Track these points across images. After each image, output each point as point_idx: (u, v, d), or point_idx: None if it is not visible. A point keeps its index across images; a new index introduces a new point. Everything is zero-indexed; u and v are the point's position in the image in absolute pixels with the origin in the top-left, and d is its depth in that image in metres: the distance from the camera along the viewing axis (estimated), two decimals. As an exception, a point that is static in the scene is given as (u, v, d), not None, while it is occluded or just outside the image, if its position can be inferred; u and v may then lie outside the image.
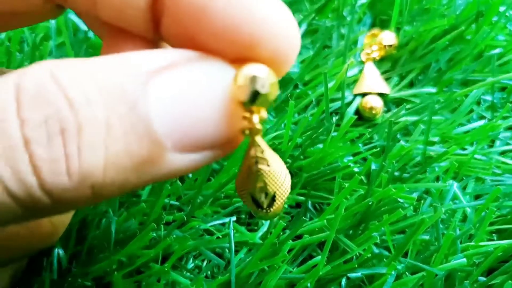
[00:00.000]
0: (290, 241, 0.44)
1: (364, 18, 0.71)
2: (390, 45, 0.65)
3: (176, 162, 0.27)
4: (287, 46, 0.28)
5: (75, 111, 0.25)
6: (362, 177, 0.51)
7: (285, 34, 0.28)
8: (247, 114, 0.27)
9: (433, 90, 0.62)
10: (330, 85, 0.57)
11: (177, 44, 0.30)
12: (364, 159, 0.55)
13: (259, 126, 0.27)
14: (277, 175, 0.30)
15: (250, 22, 0.27)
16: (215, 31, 0.28)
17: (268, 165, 0.30)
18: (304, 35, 0.67)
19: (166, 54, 0.27)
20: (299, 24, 0.66)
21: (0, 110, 0.25)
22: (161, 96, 0.26)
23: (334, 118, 0.53)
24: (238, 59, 0.28)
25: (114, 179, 0.26)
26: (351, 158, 0.53)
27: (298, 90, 0.61)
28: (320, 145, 0.53)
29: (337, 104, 0.60)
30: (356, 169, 0.52)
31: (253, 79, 0.26)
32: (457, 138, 0.56)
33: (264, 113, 0.27)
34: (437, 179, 0.55)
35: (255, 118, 0.27)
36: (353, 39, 0.67)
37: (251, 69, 0.27)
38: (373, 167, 0.51)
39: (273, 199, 0.30)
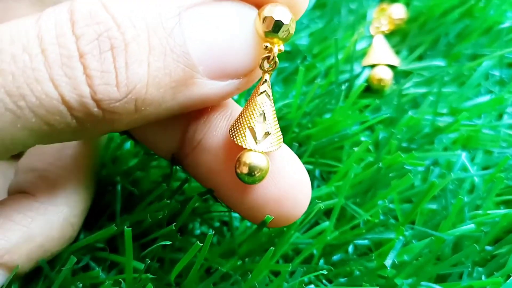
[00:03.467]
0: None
1: (373, -8, 0.70)
2: (400, 19, 0.64)
3: (206, 87, 0.31)
4: None
5: (122, 31, 0.29)
6: (370, 147, 0.50)
7: None
8: (269, 44, 0.32)
9: (442, 63, 0.61)
10: (340, 56, 0.56)
11: None
12: (373, 130, 0.54)
13: (276, 58, 0.32)
14: (276, 118, 0.34)
15: None
16: None
17: (272, 103, 0.34)
18: (312, 9, 0.66)
19: None
20: (308, -3, 0.65)
21: (58, 27, 0.28)
22: (194, 26, 0.30)
23: (344, 87, 0.52)
24: (259, 4, 0.32)
25: (154, 95, 0.30)
26: (359, 127, 0.52)
27: (307, 62, 0.60)
28: (328, 115, 0.52)
29: (346, 76, 0.59)
30: (364, 138, 0.51)
31: (277, 10, 0.31)
32: (465, 111, 0.55)
33: (282, 46, 0.32)
34: (446, 150, 0.54)
35: (275, 49, 0.32)
36: (362, 13, 0.65)
37: (274, 5, 0.31)
38: (381, 136, 0.50)
39: (269, 138, 0.33)
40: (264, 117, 0.33)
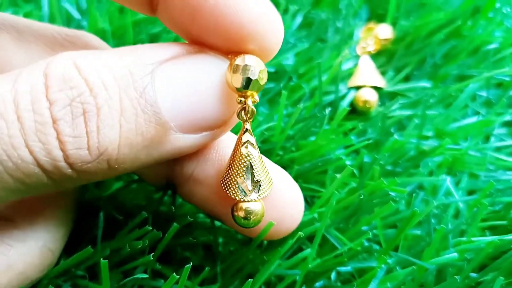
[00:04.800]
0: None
1: (360, 11, 0.70)
2: (386, 39, 0.65)
3: (179, 141, 0.32)
4: (272, 39, 0.33)
5: (94, 95, 0.29)
6: (355, 171, 0.50)
7: (269, 29, 0.33)
8: (242, 98, 0.33)
9: (428, 84, 0.61)
10: (324, 77, 0.56)
11: (173, 30, 0.35)
12: (357, 153, 0.54)
13: (253, 108, 0.33)
14: (263, 162, 0.35)
15: (238, 21, 0.32)
16: (207, 29, 0.32)
17: (257, 150, 0.35)
18: (299, 28, 0.66)
19: (169, 47, 0.32)
20: (294, 15, 0.66)
21: (33, 92, 0.29)
22: (166, 83, 0.31)
23: (328, 110, 0.52)
24: (230, 52, 0.33)
25: (126, 155, 0.31)
26: (343, 151, 0.52)
27: (292, 83, 0.60)
28: (313, 138, 0.52)
29: (331, 97, 0.59)
30: (348, 162, 0.51)
31: (245, 68, 0.32)
32: (451, 133, 0.56)
33: (256, 97, 0.33)
34: (431, 174, 0.54)
35: (249, 101, 0.33)
36: (348, 32, 0.66)
37: (242, 60, 0.32)
38: (365, 160, 0.50)
39: (259, 185, 0.35)
40: (251, 167, 0.34)
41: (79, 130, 0.29)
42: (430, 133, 0.56)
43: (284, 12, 0.63)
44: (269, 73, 0.58)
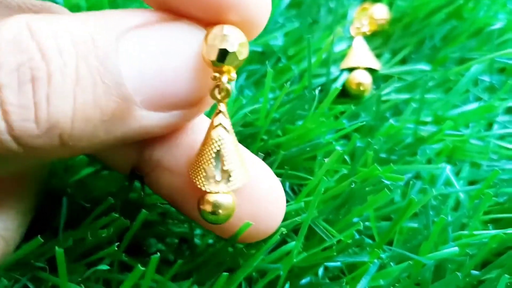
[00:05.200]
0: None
1: (355, -9, 0.66)
2: (382, 19, 0.61)
3: (145, 120, 0.29)
4: (257, 12, 0.30)
5: (46, 60, 0.26)
6: (346, 157, 0.47)
7: (254, 1, 0.29)
8: (217, 74, 0.29)
9: (427, 67, 0.57)
10: (314, 59, 0.52)
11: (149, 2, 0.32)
12: (349, 138, 0.51)
13: (228, 86, 0.29)
14: (238, 149, 0.32)
15: None
16: None
17: (231, 135, 0.31)
18: (288, 7, 0.63)
19: (140, 13, 0.29)
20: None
21: None
22: (133, 52, 0.28)
23: (317, 91, 0.48)
24: (208, 23, 0.29)
25: (82, 131, 0.27)
26: (334, 135, 0.48)
27: (280, 64, 0.56)
28: (300, 122, 0.49)
29: (322, 79, 0.55)
30: (339, 148, 0.47)
31: (222, 38, 0.28)
32: (451, 119, 0.52)
33: (233, 74, 0.29)
34: (429, 162, 0.50)
35: (224, 78, 0.29)
36: (342, 13, 0.62)
37: (220, 29, 0.28)
38: (358, 145, 0.46)
39: (229, 175, 0.31)
40: (221, 154, 0.31)
41: (26, 99, 0.26)
42: (428, 119, 0.52)
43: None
44: (255, 53, 0.55)
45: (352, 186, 0.40)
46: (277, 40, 0.57)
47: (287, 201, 0.44)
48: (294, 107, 0.47)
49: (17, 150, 0.27)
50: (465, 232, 0.42)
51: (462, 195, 0.46)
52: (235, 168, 0.31)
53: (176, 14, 0.30)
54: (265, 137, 0.47)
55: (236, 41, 0.28)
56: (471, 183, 0.49)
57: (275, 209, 0.35)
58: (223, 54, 0.28)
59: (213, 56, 0.28)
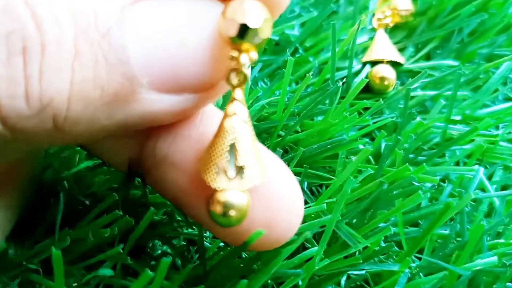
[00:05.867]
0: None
1: (376, -18, 0.63)
2: (406, 11, 0.57)
3: (152, 103, 0.26)
4: None
5: (41, 30, 0.23)
6: (370, 157, 0.43)
7: None
8: (235, 53, 0.25)
9: (454, 63, 0.54)
10: (335, 50, 0.49)
11: None
12: (373, 137, 0.47)
13: (246, 70, 0.26)
14: (255, 143, 0.28)
15: None
16: None
17: (247, 127, 0.28)
18: (306, -3, 0.59)
19: None
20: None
21: None
22: (140, 26, 0.25)
23: (340, 85, 0.45)
24: None
25: (80, 113, 0.24)
26: (357, 132, 0.45)
27: (297, 55, 0.53)
28: (321, 117, 0.45)
29: (343, 73, 0.52)
30: (362, 146, 0.43)
31: (243, 11, 0.25)
32: (481, 119, 0.48)
33: (254, 54, 0.26)
34: (457, 165, 0.46)
35: (244, 58, 0.26)
36: (363, 2, 0.58)
37: (241, 1, 0.25)
38: (383, 144, 0.43)
39: (243, 171, 0.27)
40: (235, 148, 0.27)
41: (15, 71, 0.23)
42: (458, 117, 0.49)
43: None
44: (270, 43, 0.52)
45: (383, 187, 0.37)
46: (294, 29, 0.54)
47: (306, 203, 0.41)
48: (314, 100, 0.43)
49: (3, 133, 0.24)
50: (501, 240, 0.39)
51: (497, 201, 0.42)
52: (251, 164, 0.28)
53: None
54: (282, 133, 0.44)
55: (259, 16, 0.25)
56: (504, 187, 0.46)
57: (292, 215, 0.31)
58: (244, 30, 0.25)
59: (232, 31, 0.25)
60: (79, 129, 0.25)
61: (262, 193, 0.29)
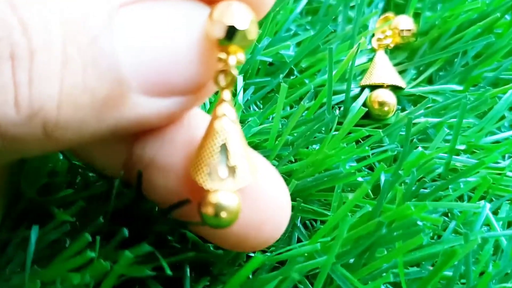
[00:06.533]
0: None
1: (375, 0, 0.60)
2: (408, 31, 0.55)
3: (142, 107, 0.26)
4: None
5: (28, 36, 0.23)
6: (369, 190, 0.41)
7: None
8: (223, 55, 0.26)
9: (458, 87, 0.52)
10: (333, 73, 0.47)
11: None
12: (371, 167, 0.45)
13: (234, 71, 0.27)
14: (245, 143, 0.29)
15: None
16: None
17: (236, 126, 0.28)
18: (302, 13, 0.57)
19: None
20: (298, -1, 0.56)
21: None
22: (128, 30, 0.25)
23: (337, 112, 0.42)
24: (212, 1, 0.27)
25: (70, 119, 0.24)
26: (354, 164, 0.43)
27: (292, 77, 0.51)
28: (317, 146, 0.43)
29: (340, 97, 0.49)
30: (360, 179, 0.41)
31: (230, 13, 0.26)
32: (487, 149, 0.46)
33: (241, 56, 0.27)
34: (461, 198, 0.44)
35: (232, 60, 0.26)
36: (362, 22, 0.56)
37: (227, 4, 0.26)
38: (382, 177, 0.41)
39: (236, 171, 0.28)
40: (227, 148, 0.28)
41: (4, 78, 0.23)
42: (462, 147, 0.46)
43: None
44: (263, 64, 0.50)
45: (382, 228, 0.34)
46: (289, 49, 0.52)
47: (299, 240, 0.39)
48: (309, 129, 0.41)
49: None
50: (509, 284, 0.37)
51: (504, 240, 0.40)
52: (242, 164, 0.28)
53: None
54: (275, 162, 0.42)
55: (246, 18, 0.26)
56: (511, 224, 0.43)
57: (280, 215, 0.32)
58: (232, 32, 0.26)
59: (220, 33, 0.26)
60: (69, 135, 0.25)
61: (251, 194, 0.30)
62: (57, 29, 0.24)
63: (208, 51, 0.27)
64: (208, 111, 0.42)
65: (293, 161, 0.43)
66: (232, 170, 0.28)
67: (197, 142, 0.29)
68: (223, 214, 0.27)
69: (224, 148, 0.27)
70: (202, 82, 0.28)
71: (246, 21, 0.26)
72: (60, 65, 0.24)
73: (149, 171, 0.31)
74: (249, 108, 0.47)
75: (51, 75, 0.24)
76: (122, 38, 0.25)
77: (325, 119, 0.41)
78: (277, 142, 0.41)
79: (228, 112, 0.28)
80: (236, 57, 0.27)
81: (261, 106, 0.48)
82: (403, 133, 0.45)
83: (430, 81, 0.54)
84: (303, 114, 0.45)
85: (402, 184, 0.40)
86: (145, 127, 0.29)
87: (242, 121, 0.43)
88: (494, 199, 0.45)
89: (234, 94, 0.44)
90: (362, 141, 0.45)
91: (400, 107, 0.51)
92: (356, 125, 0.44)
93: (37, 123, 0.24)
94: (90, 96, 0.24)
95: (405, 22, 0.55)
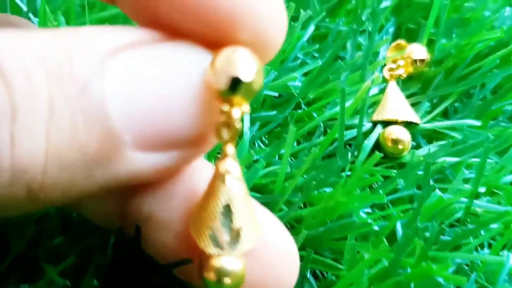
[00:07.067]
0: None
1: (386, 25, 0.58)
2: (421, 60, 0.53)
3: (136, 162, 0.24)
4: (273, 27, 0.26)
5: (10, 89, 0.21)
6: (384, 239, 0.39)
7: (270, 13, 0.26)
8: (226, 107, 0.25)
9: (476, 123, 0.49)
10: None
11: (135, 19, 0.27)
12: (383, 208, 0.43)
13: (238, 124, 0.25)
14: (250, 202, 0.27)
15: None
16: (184, 9, 0.24)
17: (241, 185, 0.26)
18: (310, 40, 0.55)
19: (129, 31, 0.24)
20: (305, 25, 0.53)
21: None
22: (122, 79, 0.23)
23: (349, 154, 0.40)
24: (214, 43, 0.25)
25: (57, 179, 0.22)
26: (369, 210, 0.40)
27: (300, 111, 0.48)
28: (328, 189, 0.41)
29: (351, 133, 0.47)
30: (376, 227, 0.39)
31: (234, 62, 0.24)
32: (508, 191, 0.44)
33: (246, 107, 0.25)
34: (481, 246, 0.42)
35: (235, 112, 0.25)
36: (373, 49, 0.53)
37: (231, 51, 0.24)
38: (399, 227, 0.38)
39: (240, 234, 0.26)
40: (231, 210, 0.26)
41: None
42: (482, 189, 0.44)
43: (292, 20, 0.50)
44: (270, 98, 0.47)
45: (397, 285, 0.32)
46: (296, 80, 0.49)
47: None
48: (321, 173, 0.39)
49: None
50: None
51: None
52: (247, 225, 0.26)
53: (173, 32, 0.25)
54: (284, 207, 0.39)
55: (252, 68, 0.24)
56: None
57: (288, 274, 0.30)
58: (235, 83, 0.24)
59: (223, 84, 0.24)
60: (56, 195, 0.23)
61: (257, 253, 0.28)
62: (42, 78, 0.22)
63: (209, 102, 0.25)
64: (209, 157, 0.40)
65: (303, 206, 0.41)
66: (236, 233, 0.26)
67: (198, 196, 0.27)
68: (227, 280, 0.25)
69: (227, 209, 0.26)
70: (203, 135, 0.26)
71: (251, 72, 0.24)
72: (46, 120, 0.22)
73: (147, 226, 0.29)
74: (254, 144, 0.45)
75: (36, 132, 0.21)
76: (115, 87, 0.23)
77: (336, 164, 0.38)
78: (285, 184, 0.39)
79: (231, 169, 0.26)
80: (241, 109, 0.25)
81: (267, 142, 0.46)
82: (420, 171, 0.43)
83: (445, 113, 0.52)
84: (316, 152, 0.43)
85: (424, 237, 0.38)
86: (139, 183, 0.26)
87: (247, 160, 0.40)
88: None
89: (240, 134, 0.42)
90: (375, 184, 0.42)
91: (414, 143, 0.48)
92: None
93: (21, 185, 0.22)
94: (79, 154, 0.22)
95: (418, 52, 0.53)
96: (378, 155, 0.37)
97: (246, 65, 0.24)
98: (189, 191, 0.28)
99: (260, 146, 0.45)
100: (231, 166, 0.26)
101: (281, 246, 0.29)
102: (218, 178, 0.26)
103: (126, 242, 0.32)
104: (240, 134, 0.42)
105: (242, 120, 0.26)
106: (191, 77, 0.24)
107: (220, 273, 0.25)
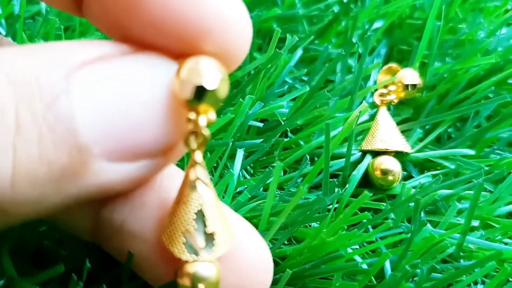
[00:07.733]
0: None
1: (378, 46, 0.57)
2: (413, 86, 0.51)
3: (105, 174, 0.25)
4: (238, 39, 0.27)
5: None
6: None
7: (235, 25, 0.26)
8: (192, 115, 0.26)
9: (470, 152, 0.48)
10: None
11: (104, 30, 0.28)
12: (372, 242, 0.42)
13: (206, 131, 0.26)
14: (220, 207, 0.28)
15: (195, 12, 0.25)
16: (151, 22, 0.25)
17: (211, 191, 0.27)
18: (298, 63, 0.54)
19: (95, 45, 0.25)
20: (294, 48, 0.52)
21: None
22: (88, 92, 0.24)
23: (336, 190, 0.39)
24: (180, 55, 0.26)
25: (26, 194, 0.23)
26: (357, 247, 0.39)
27: (286, 139, 0.47)
28: (315, 224, 0.40)
29: (339, 162, 0.46)
30: (364, 266, 0.38)
31: (199, 72, 0.25)
32: (503, 225, 0.42)
33: (212, 115, 0.26)
34: (475, 284, 0.41)
35: (202, 120, 0.26)
36: (363, 73, 0.52)
37: (195, 61, 0.25)
38: (388, 267, 0.37)
39: (213, 238, 0.27)
40: (203, 215, 0.27)
41: None
42: (475, 223, 0.43)
43: (280, 42, 0.49)
44: (255, 126, 0.46)
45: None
46: (283, 107, 0.48)
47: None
48: (307, 208, 0.38)
49: None
50: None
51: None
52: (220, 229, 0.27)
53: (141, 44, 0.26)
54: (268, 243, 0.38)
55: (216, 76, 0.25)
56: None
57: (262, 278, 0.31)
58: (200, 92, 0.25)
59: (188, 94, 0.25)
60: (26, 210, 0.24)
61: (230, 258, 0.29)
62: (7, 93, 0.22)
63: (176, 111, 0.26)
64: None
65: (287, 243, 0.40)
66: (210, 237, 0.27)
67: (169, 204, 0.28)
68: (201, 286, 0.27)
69: (200, 215, 0.27)
70: (171, 144, 0.27)
71: (215, 80, 0.25)
72: (13, 135, 0.22)
73: (119, 237, 0.30)
74: (240, 175, 0.44)
75: (2, 148, 0.22)
76: (81, 101, 0.23)
77: (324, 202, 0.37)
78: (270, 223, 0.38)
79: (201, 175, 0.27)
80: (207, 116, 0.26)
81: (252, 172, 0.45)
82: (411, 203, 0.42)
83: (438, 139, 0.51)
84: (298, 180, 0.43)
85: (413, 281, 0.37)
86: (110, 194, 0.27)
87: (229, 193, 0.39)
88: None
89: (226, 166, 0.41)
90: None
91: (405, 173, 0.47)
92: (356, 194, 0.41)
93: None
94: (47, 168, 0.23)
95: (410, 77, 0.51)
96: (367, 195, 0.36)
97: (210, 73, 0.25)
98: (159, 199, 0.29)
99: (245, 176, 0.44)
100: (201, 172, 0.27)
101: (253, 250, 0.30)
102: (188, 185, 0.27)
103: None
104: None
105: (210, 128, 0.26)
106: (157, 88, 0.25)
107: (195, 279, 0.26)
